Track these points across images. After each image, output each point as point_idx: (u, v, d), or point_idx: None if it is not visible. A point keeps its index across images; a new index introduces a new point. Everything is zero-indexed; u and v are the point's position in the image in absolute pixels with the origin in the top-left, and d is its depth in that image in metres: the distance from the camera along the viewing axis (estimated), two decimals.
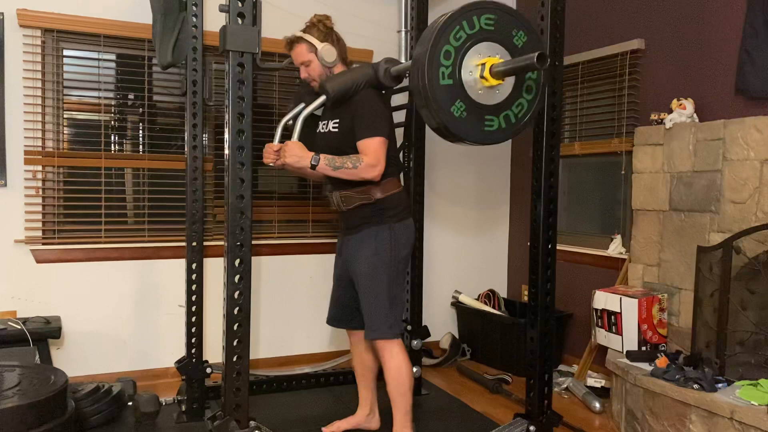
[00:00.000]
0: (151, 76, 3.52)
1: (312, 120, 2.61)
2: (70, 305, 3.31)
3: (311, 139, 2.56)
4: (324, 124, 2.58)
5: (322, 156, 2.37)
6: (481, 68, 2.02)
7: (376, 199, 2.46)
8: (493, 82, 2.02)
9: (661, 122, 3.16)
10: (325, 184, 2.67)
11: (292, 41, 2.56)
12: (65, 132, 3.35)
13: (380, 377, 2.85)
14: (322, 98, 2.46)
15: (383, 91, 2.59)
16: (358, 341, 2.77)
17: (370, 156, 2.36)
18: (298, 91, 2.79)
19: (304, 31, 2.54)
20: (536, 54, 1.84)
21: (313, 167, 2.37)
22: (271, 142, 2.52)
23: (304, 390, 3.38)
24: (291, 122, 2.57)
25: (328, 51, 2.51)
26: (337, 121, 2.50)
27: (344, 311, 2.72)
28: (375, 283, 2.47)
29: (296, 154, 2.37)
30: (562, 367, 3.80)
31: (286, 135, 2.52)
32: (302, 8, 3.77)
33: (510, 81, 2.09)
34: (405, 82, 2.64)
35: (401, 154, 3.26)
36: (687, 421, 2.48)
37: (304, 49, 2.53)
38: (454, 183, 4.30)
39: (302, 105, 2.56)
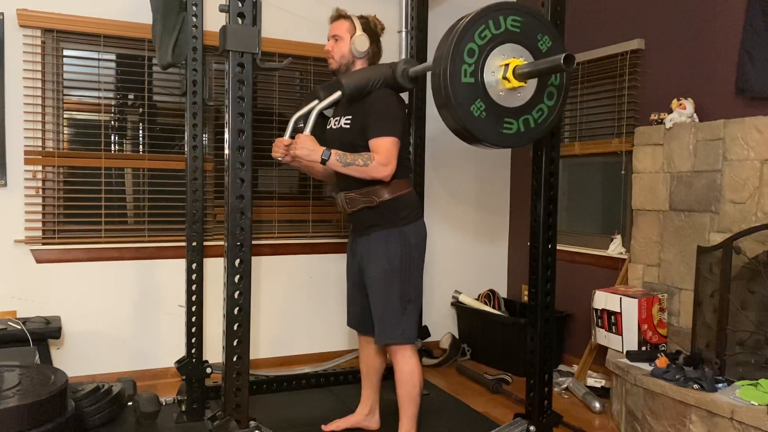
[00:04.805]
0: (151, 76, 3.52)
1: (321, 119, 2.61)
2: (70, 305, 3.31)
3: (321, 137, 2.55)
4: (336, 121, 2.58)
5: (333, 151, 2.35)
6: (504, 69, 2.00)
7: (381, 201, 2.44)
8: (515, 84, 2.01)
9: (661, 122, 3.16)
10: (333, 185, 2.67)
11: (341, 14, 2.60)
12: (65, 132, 3.36)
13: (384, 377, 2.86)
14: (337, 94, 2.45)
15: (399, 92, 2.58)
16: (368, 342, 2.75)
17: (382, 155, 2.34)
18: (314, 89, 2.78)
19: (356, 16, 2.59)
20: (563, 55, 1.82)
21: (324, 162, 2.36)
22: (272, 142, 2.52)
23: (304, 390, 3.38)
24: (302, 122, 2.57)
25: (362, 40, 2.53)
26: (350, 117, 2.50)
27: (363, 314, 2.67)
28: (387, 287, 2.45)
29: (308, 147, 2.36)
30: (562, 367, 3.80)
31: (297, 131, 2.51)
32: (302, 8, 3.78)
33: (531, 85, 2.08)
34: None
35: None
36: (687, 421, 2.48)
37: (345, 26, 2.57)
38: (454, 183, 4.30)
39: (316, 101, 2.55)
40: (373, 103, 2.42)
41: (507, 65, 2.00)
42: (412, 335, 2.49)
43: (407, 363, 2.49)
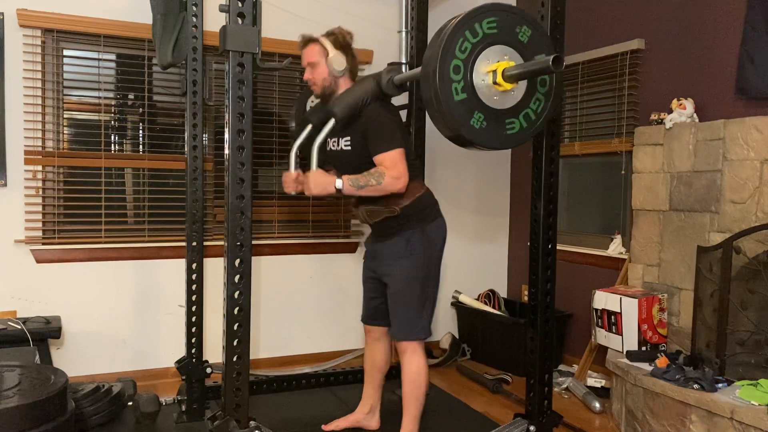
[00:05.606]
0: (151, 76, 3.52)
1: (313, 132, 2.61)
2: (70, 305, 3.31)
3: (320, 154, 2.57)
4: (334, 142, 2.58)
5: (344, 178, 2.38)
6: (492, 75, 1.99)
7: (402, 208, 2.47)
8: (507, 86, 2.00)
9: (661, 122, 3.16)
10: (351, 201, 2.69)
11: (308, 40, 2.56)
12: (65, 132, 3.36)
13: (386, 378, 2.87)
14: (332, 122, 2.45)
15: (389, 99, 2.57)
16: (373, 340, 2.78)
17: (392, 169, 2.36)
18: (297, 108, 2.77)
19: (322, 35, 2.54)
20: (552, 57, 1.81)
21: (339, 191, 2.39)
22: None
23: (304, 390, 3.37)
24: (299, 129, 2.57)
25: (338, 59, 2.49)
26: (349, 138, 2.50)
27: (375, 311, 2.73)
28: (408, 286, 2.48)
29: (320, 183, 2.40)
30: (562, 367, 3.80)
31: (299, 158, 2.56)
32: (302, 8, 3.78)
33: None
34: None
35: None
36: (687, 421, 2.48)
37: (316, 50, 2.52)
38: (454, 183, 4.30)
39: (309, 127, 2.57)
40: (367, 122, 2.43)
41: (495, 71, 1.99)
42: (429, 330, 2.55)
43: (415, 361, 2.52)
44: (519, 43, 2.05)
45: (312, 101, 2.89)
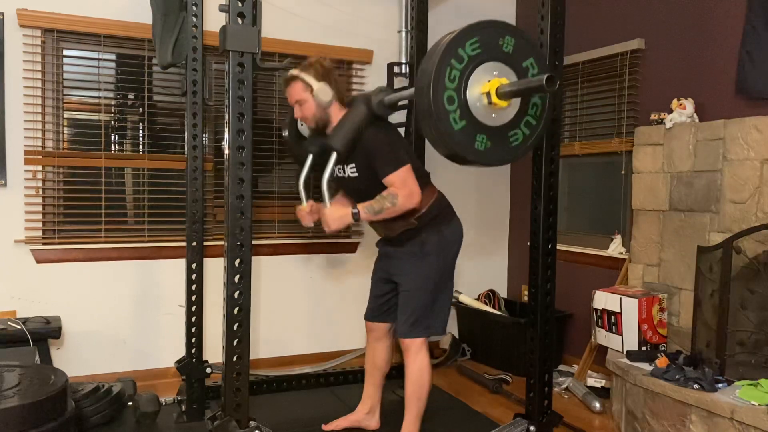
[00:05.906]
0: (151, 76, 3.52)
1: (315, 162, 2.62)
2: (70, 305, 3.31)
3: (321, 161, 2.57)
4: (340, 169, 2.59)
5: (359, 207, 2.40)
6: (487, 96, 1.98)
7: (419, 218, 2.49)
8: (503, 103, 1.99)
9: (661, 122, 3.16)
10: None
11: (289, 79, 2.52)
12: (65, 132, 3.35)
13: (388, 377, 2.88)
14: (334, 156, 2.46)
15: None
16: (375, 339, 2.79)
17: (404, 188, 2.38)
18: (290, 116, 2.76)
19: (300, 70, 2.50)
20: (545, 76, 1.81)
21: (357, 221, 2.42)
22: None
23: (304, 390, 3.38)
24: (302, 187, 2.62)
25: (323, 91, 2.45)
26: (354, 165, 2.51)
27: (380, 308, 2.75)
28: (420, 285, 2.50)
29: (338, 218, 2.43)
30: (562, 367, 3.80)
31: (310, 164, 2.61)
32: (302, 8, 3.78)
33: None
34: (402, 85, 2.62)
35: None
36: (687, 421, 2.48)
37: (300, 87, 2.48)
38: (454, 183, 4.27)
39: (311, 157, 2.58)
40: (368, 148, 2.44)
41: (488, 92, 1.97)
42: (439, 328, 2.56)
43: (419, 361, 2.53)
44: (505, 55, 2.03)
45: None
